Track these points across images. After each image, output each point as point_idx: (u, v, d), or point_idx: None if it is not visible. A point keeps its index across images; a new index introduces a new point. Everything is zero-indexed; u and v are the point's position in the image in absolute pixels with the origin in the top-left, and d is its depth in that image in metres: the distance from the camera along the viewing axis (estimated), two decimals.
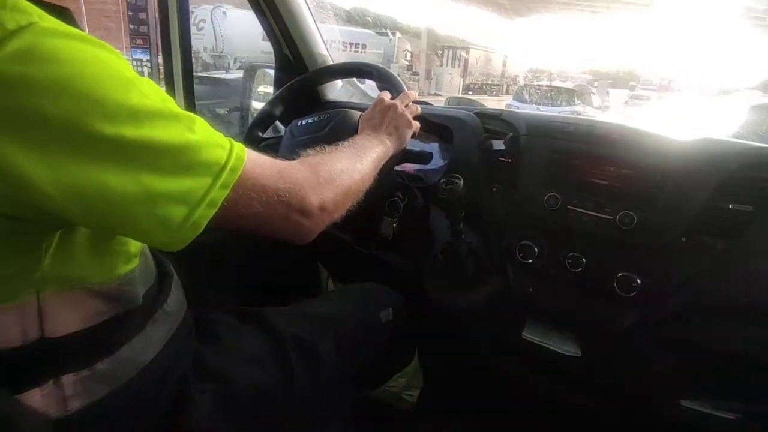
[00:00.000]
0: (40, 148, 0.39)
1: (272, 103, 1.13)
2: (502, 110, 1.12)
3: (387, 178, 1.02)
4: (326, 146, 0.67)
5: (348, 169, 0.65)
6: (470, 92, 23.14)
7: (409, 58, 18.53)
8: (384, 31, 15.94)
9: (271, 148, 1.13)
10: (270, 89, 1.62)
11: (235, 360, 0.70)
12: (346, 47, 13.76)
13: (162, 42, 1.34)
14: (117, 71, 0.43)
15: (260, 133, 1.10)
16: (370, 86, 1.49)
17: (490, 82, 26.78)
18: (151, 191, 0.43)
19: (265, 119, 1.12)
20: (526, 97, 10.57)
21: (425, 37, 21.13)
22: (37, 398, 0.48)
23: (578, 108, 9.73)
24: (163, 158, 0.44)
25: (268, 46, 1.42)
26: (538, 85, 12.58)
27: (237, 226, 0.51)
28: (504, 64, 28.97)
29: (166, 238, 0.46)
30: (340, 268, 1.22)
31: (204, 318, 0.74)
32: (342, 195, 0.62)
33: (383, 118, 0.85)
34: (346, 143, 0.73)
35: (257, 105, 1.70)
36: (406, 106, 0.89)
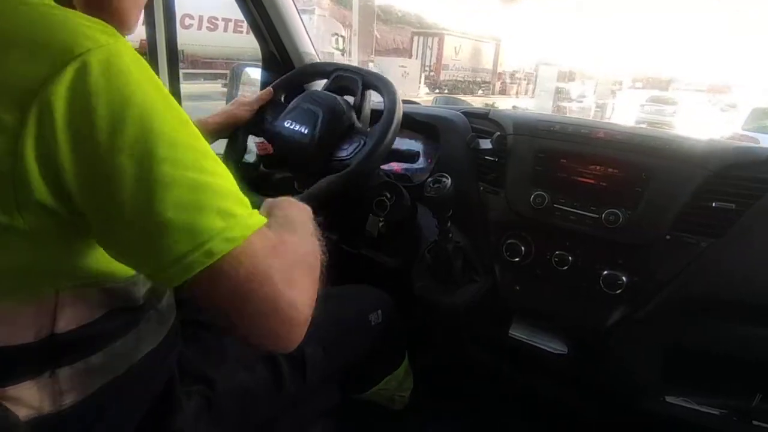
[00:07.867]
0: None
1: None
2: (489, 109, 1.13)
3: (374, 177, 1.01)
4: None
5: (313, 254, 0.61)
6: (437, 90, 18.79)
7: (340, 44, 13.94)
8: (307, 7, 12.60)
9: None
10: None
11: (221, 362, 0.70)
12: (228, 25, 11.10)
13: (148, 45, 1.33)
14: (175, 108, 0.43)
15: None
16: None
17: (478, 79, 23.07)
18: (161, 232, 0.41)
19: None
20: None
21: (357, 14, 15.47)
22: (31, 391, 0.48)
23: None
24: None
25: None
26: None
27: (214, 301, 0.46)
28: (496, 57, 24.64)
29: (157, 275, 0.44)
30: (327, 268, 1.22)
31: (190, 320, 0.74)
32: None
33: None
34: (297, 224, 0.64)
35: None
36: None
